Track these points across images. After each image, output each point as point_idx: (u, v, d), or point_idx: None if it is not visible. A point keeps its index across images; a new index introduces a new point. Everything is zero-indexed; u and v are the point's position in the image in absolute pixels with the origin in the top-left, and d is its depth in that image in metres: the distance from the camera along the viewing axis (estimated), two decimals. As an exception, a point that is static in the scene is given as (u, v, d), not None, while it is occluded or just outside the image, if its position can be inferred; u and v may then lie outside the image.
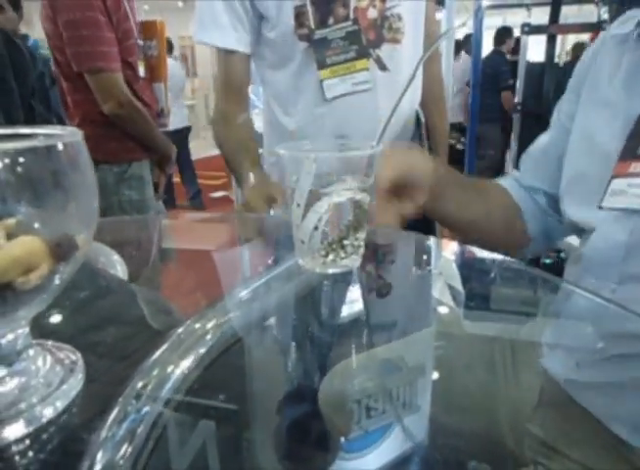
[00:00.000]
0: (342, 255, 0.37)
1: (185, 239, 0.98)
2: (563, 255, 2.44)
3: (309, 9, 0.92)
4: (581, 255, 0.60)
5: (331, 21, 0.93)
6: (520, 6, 3.88)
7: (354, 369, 0.58)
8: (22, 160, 0.19)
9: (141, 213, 1.45)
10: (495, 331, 0.72)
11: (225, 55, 1.01)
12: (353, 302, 0.42)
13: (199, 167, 4.92)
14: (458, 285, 0.96)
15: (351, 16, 0.93)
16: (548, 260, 2.57)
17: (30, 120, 1.07)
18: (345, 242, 0.37)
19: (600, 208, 0.55)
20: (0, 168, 0.19)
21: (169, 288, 0.88)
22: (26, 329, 0.24)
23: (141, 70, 1.44)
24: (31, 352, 0.25)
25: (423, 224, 1.12)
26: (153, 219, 1.22)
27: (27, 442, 0.23)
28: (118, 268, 0.86)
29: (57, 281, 0.21)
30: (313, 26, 0.92)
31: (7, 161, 0.19)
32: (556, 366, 0.56)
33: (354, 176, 0.35)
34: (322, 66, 0.93)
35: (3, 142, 0.19)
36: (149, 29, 1.50)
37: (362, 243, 0.38)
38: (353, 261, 0.38)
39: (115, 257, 0.90)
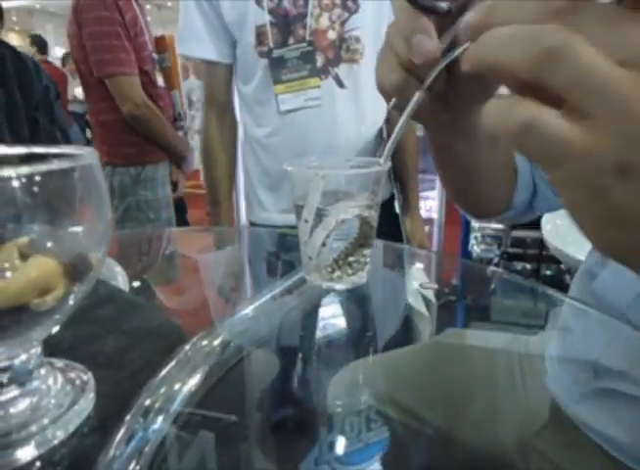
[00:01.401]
0: (350, 271, 0.37)
1: (189, 248, 0.98)
2: (563, 266, 2.44)
3: (269, 29, 0.98)
4: (591, 290, 0.57)
5: (291, 40, 1.00)
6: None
7: (355, 381, 0.58)
8: (37, 181, 0.20)
9: (156, 213, 1.60)
10: (500, 343, 0.72)
11: (207, 66, 1.09)
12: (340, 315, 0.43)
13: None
14: (430, 296, 0.96)
15: (307, 37, 0.99)
16: (549, 271, 2.57)
17: (34, 134, 1.11)
18: (352, 258, 0.37)
19: None
20: (15, 189, 0.19)
21: (172, 298, 0.88)
22: (39, 348, 0.24)
23: (160, 80, 1.63)
24: (43, 371, 0.25)
25: (391, 230, 1.15)
26: (158, 231, 1.23)
27: (37, 463, 0.23)
28: (120, 279, 0.86)
29: (71, 301, 0.21)
30: (272, 46, 0.99)
31: (22, 182, 0.20)
32: (558, 389, 0.56)
33: (361, 193, 0.36)
34: (277, 81, 1.00)
35: (18, 163, 0.19)
36: (161, 44, 1.69)
37: (369, 259, 0.38)
38: (360, 278, 0.38)
39: (118, 268, 0.89)
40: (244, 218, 2.42)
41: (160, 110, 1.59)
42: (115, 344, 0.37)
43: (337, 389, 0.63)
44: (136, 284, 0.87)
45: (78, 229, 0.21)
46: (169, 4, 7.10)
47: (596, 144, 0.20)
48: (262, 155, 1.10)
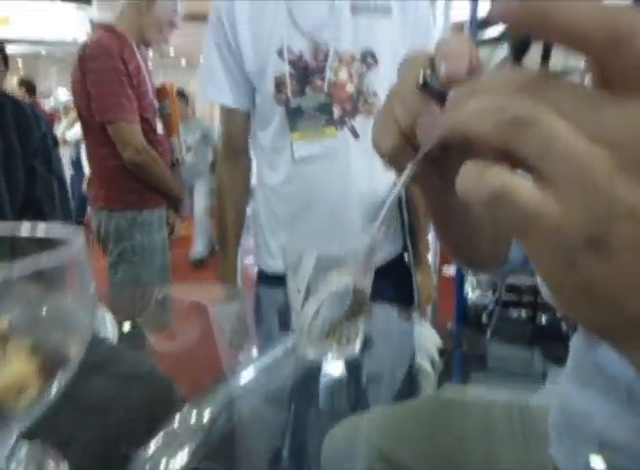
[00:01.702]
0: (342, 341, 0.36)
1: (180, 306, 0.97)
2: (559, 314, 2.43)
3: (288, 80, 1.02)
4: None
5: (308, 90, 1.03)
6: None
7: (350, 437, 0.56)
8: (18, 275, 0.19)
9: (151, 256, 1.61)
10: (500, 401, 0.70)
11: (225, 112, 1.12)
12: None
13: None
14: (436, 355, 0.95)
15: (325, 89, 1.02)
16: (545, 319, 2.55)
17: (31, 181, 1.12)
18: (345, 329, 0.36)
19: None
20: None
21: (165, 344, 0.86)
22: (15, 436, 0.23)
23: (159, 127, 1.66)
24: (20, 455, 0.24)
25: (402, 282, 1.15)
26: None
27: None
28: (109, 330, 0.84)
29: (48, 397, 0.20)
30: (290, 95, 1.02)
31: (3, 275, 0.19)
32: (562, 460, 0.53)
33: (354, 262, 0.35)
34: (293, 129, 1.03)
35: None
36: (162, 93, 1.74)
37: (361, 329, 0.37)
38: (352, 349, 0.37)
39: (108, 317, 0.88)
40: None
41: (160, 155, 1.62)
42: (99, 391, 0.36)
43: (331, 445, 0.61)
44: (127, 330, 0.85)
45: (58, 317, 0.20)
46: (172, 53, 7.37)
47: (566, 216, 0.20)
48: (274, 201, 1.11)
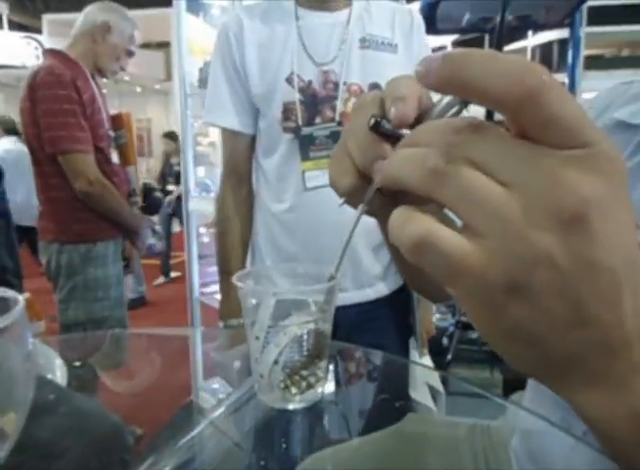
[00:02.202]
0: (304, 387, 0.35)
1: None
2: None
3: (298, 107, 1.00)
4: None
5: (318, 120, 1.02)
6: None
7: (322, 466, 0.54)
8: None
9: (105, 291, 1.55)
10: (463, 431, 0.70)
11: (229, 135, 1.10)
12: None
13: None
14: (438, 385, 0.95)
15: (337, 118, 1.02)
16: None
17: None
18: (306, 373, 0.35)
19: None
20: None
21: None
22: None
23: (115, 157, 1.63)
24: None
25: (400, 317, 1.14)
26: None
27: None
28: (58, 374, 0.79)
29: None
30: (301, 123, 1.01)
31: None
32: None
33: (314, 305, 0.35)
34: (305, 158, 1.01)
35: None
36: (117, 121, 1.70)
37: (324, 373, 0.36)
38: (315, 395, 0.36)
39: (57, 360, 0.83)
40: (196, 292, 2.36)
41: (115, 186, 1.57)
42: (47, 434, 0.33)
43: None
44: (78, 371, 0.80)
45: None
46: (126, 78, 7.27)
47: (488, 263, 0.20)
48: (277, 230, 1.08)
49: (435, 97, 0.27)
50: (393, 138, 0.28)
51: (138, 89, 8.98)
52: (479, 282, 0.21)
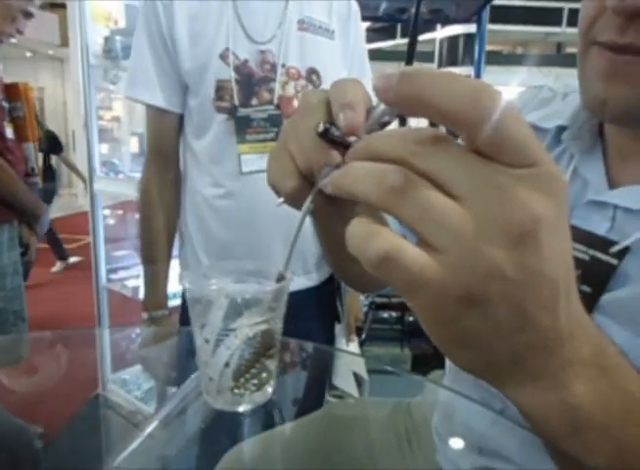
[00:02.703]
0: (253, 387, 0.34)
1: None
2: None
3: (234, 86, 0.94)
4: None
5: (254, 101, 0.97)
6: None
7: (241, 459, 0.54)
8: None
9: (1, 280, 1.40)
10: (386, 411, 0.73)
11: (155, 113, 1.00)
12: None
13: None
14: (363, 373, 0.98)
15: (275, 101, 0.97)
16: (412, 318, 2.77)
17: None
18: (255, 371, 0.34)
19: None
20: None
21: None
22: None
23: (9, 132, 1.44)
24: None
25: (327, 306, 1.15)
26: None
27: None
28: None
29: None
30: (237, 103, 0.95)
31: None
32: (447, 464, 0.57)
33: (264, 305, 0.34)
34: (241, 140, 0.95)
35: None
36: (12, 92, 1.51)
37: (273, 373, 0.36)
38: (264, 395, 0.35)
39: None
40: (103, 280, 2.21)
41: (10, 164, 1.40)
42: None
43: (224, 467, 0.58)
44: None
45: None
46: (13, 40, 6.49)
47: (445, 277, 0.22)
48: (210, 217, 1.01)
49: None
50: (340, 145, 0.28)
51: (27, 54, 8.07)
52: (436, 295, 0.22)
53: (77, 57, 2.13)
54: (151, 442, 0.33)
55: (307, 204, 0.32)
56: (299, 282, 1.04)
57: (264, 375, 0.35)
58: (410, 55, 2.29)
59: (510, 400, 0.27)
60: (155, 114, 1.01)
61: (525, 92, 0.63)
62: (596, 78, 0.42)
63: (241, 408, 0.34)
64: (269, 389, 0.36)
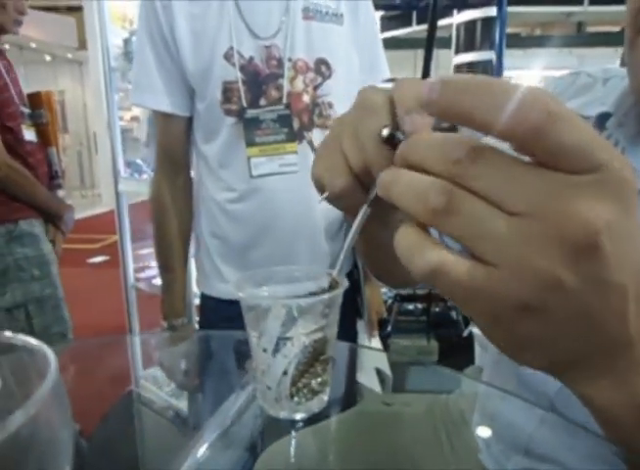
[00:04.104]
0: (310, 395, 0.34)
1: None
2: (449, 303, 2.63)
3: (241, 87, 0.91)
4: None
5: (262, 101, 0.94)
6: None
7: (278, 460, 0.54)
8: None
9: (42, 269, 1.46)
10: (422, 407, 0.72)
11: (161, 118, 0.98)
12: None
13: (75, 230, 4.55)
14: (386, 369, 0.97)
15: (285, 100, 0.93)
16: (437, 309, 2.75)
17: None
18: (313, 382, 0.34)
19: None
20: None
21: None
22: None
23: (29, 135, 1.50)
24: None
25: (348, 301, 1.14)
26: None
27: None
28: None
29: None
30: (245, 105, 0.92)
31: None
32: (492, 464, 0.57)
33: (319, 312, 0.34)
34: (250, 143, 0.93)
35: None
36: (35, 100, 1.56)
37: (328, 379, 0.36)
38: (322, 402, 0.35)
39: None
40: (131, 279, 2.25)
41: (30, 167, 1.44)
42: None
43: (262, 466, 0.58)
44: None
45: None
46: (33, 45, 6.61)
47: (497, 288, 0.21)
48: (223, 221, 0.99)
49: None
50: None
51: (47, 58, 8.21)
52: (489, 304, 0.22)
53: (97, 59, 2.16)
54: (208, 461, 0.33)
55: (365, 208, 0.31)
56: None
57: (320, 382, 0.35)
58: (430, 42, 2.24)
59: (575, 395, 0.26)
60: (162, 119, 0.99)
61: (561, 77, 0.61)
62: None
63: (298, 416, 0.34)
64: (325, 396, 0.35)
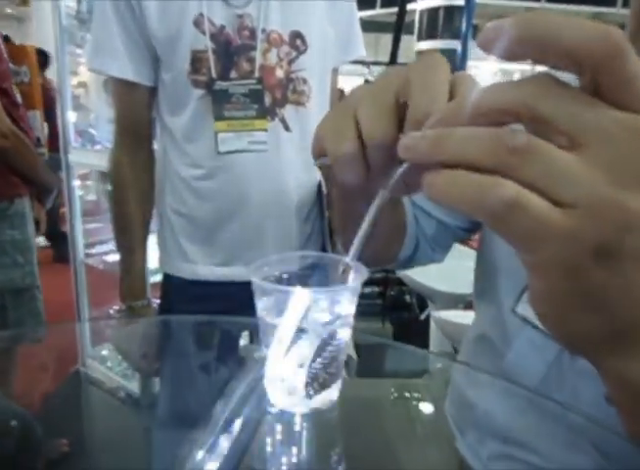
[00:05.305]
0: (323, 388, 0.33)
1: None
2: (404, 288, 2.69)
3: (210, 57, 0.86)
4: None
5: (233, 74, 0.89)
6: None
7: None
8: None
9: (25, 256, 1.34)
10: (391, 393, 0.73)
11: (122, 87, 0.91)
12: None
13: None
14: (352, 352, 0.97)
15: (257, 74, 0.89)
16: (393, 293, 2.81)
17: None
18: (326, 375, 0.33)
19: (514, 312, 0.52)
20: None
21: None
22: None
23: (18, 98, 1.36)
24: None
25: None
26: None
27: None
28: None
29: None
30: (214, 76, 0.87)
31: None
32: (466, 451, 0.57)
33: (338, 303, 0.32)
34: (219, 117, 0.88)
35: None
36: (18, 54, 1.41)
37: (340, 372, 0.34)
38: (332, 396, 0.34)
39: None
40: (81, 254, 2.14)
41: (25, 134, 1.31)
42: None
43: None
44: None
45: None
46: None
47: (578, 226, 0.21)
48: (189, 198, 0.94)
49: None
50: None
51: (8, 10, 7.52)
52: (568, 246, 0.21)
53: (45, 17, 1.99)
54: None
55: (383, 193, 0.29)
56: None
57: (331, 376, 0.33)
58: (399, 27, 2.24)
59: (612, 374, 0.26)
60: (123, 87, 0.92)
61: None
62: None
63: (309, 410, 0.33)
64: (336, 390, 0.34)
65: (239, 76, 0.89)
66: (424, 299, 2.37)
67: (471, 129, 0.22)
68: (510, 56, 0.22)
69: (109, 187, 1.02)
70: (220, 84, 0.87)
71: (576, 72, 0.21)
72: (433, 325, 2.09)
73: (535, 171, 0.21)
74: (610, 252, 0.21)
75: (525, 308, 0.51)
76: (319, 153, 0.32)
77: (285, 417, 0.36)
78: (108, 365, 1.83)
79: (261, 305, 0.31)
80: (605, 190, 0.20)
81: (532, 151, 0.21)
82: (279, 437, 0.36)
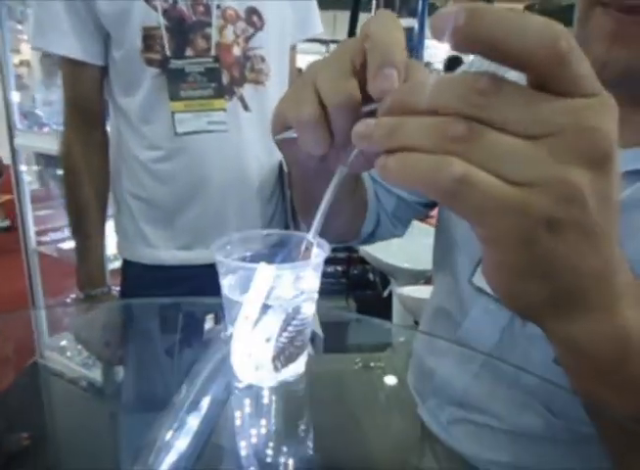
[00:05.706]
0: (288, 363, 0.33)
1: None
2: (368, 266, 2.73)
3: (164, 34, 0.82)
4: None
5: (188, 52, 0.86)
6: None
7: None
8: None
9: None
10: (355, 366, 0.75)
11: (71, 67, 0.87)
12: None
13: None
14: (318, 329, 0.98)
15: (213, 52, 0.86)
16: (356, 271, 2.85)
17: None
18: (292, 348, 0.33)
19: (470, 283, 0.54)
20: None
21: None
22: None
23: None
24: None
25: None
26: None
27: None
28: None
29: None
30: (169, 54, 0.84)
31: None
32: (427, 416, 0.60)
33: (302, 279, 0.33)
34: (175, 97, 0.85)
35: None
36: None
37: (305, 347, 0.35)
38: (298, 369, 0.35)
39: None
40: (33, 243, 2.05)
41: None
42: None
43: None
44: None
45: None
46: None
47: (527, 200, 0.22)
48: (148, 182, 0.92)
49: None
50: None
51: None
52: (518, 219, 0.22)
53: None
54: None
55: (341, 168, 0.30)
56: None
57: (297, 350, 0.34)
58: (356, 3, 2.23)
59: (557, 337, 0.27)
60: (71, 67, 0.88)
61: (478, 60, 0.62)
62: (599, 39, 0.42)
63: (276, 383, 0.33)
64: (302, 362, 0.35)
65: (194, 54, 0.86)
66: (386, 276, 2.42)
67: (419, 120, 0.23)
68: (459, 50, 0.22)
69: (59, 171, 0.98)
70: (175, 63, 0.84)
71: (522, 72, 0.22)
72: (395, 301, 2.14)
73: (483, 155, 0.22)
74: (558, 223, 0.22)
75: (479, 279, 0.53)
76: (280, 128, 0.32)
77: (253, 392, 0.36)
78: (67, 355, 1.78)
79: (226, 282, 0.31)
80: (550, 167, 0.22)
81: (475, 137, 0.22)
82: (248, 410, 0.37)
